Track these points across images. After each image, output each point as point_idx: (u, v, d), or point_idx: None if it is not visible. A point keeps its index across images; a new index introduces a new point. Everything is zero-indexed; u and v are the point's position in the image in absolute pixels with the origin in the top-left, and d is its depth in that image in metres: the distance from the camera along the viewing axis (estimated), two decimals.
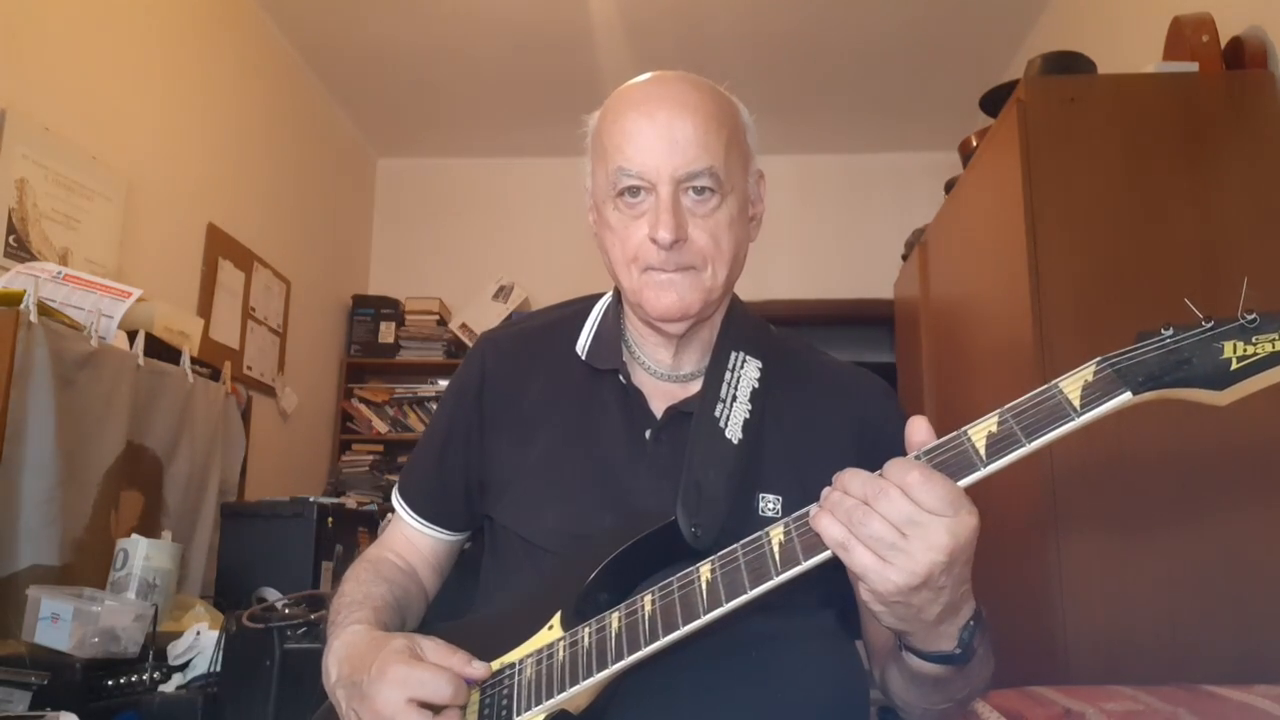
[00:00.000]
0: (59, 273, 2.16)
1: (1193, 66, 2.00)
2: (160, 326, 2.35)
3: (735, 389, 0.98)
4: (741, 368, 0.99)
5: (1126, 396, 0.70)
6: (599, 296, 1.11)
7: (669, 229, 0.90)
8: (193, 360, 2.47)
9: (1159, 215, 1.87)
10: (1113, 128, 1.93)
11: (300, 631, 1.57)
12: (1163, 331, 0.72)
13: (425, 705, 0.79)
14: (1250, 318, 0.69)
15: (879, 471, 0.73)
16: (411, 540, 1.11)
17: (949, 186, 2.84)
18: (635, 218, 0.93)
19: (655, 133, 0.91)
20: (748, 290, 1.06)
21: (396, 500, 1.12)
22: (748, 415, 0.96)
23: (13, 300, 1.88)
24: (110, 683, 1.66)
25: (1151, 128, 1.92)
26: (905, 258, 3.31)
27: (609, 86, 1.01)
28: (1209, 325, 0.71)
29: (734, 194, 0.95)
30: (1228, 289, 0.73)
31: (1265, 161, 1.88)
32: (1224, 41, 2.08)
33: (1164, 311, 0.75)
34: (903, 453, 0.75)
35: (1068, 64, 2.16)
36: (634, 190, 0.93)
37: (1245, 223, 1.84)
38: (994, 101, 2.44)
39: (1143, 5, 2.67)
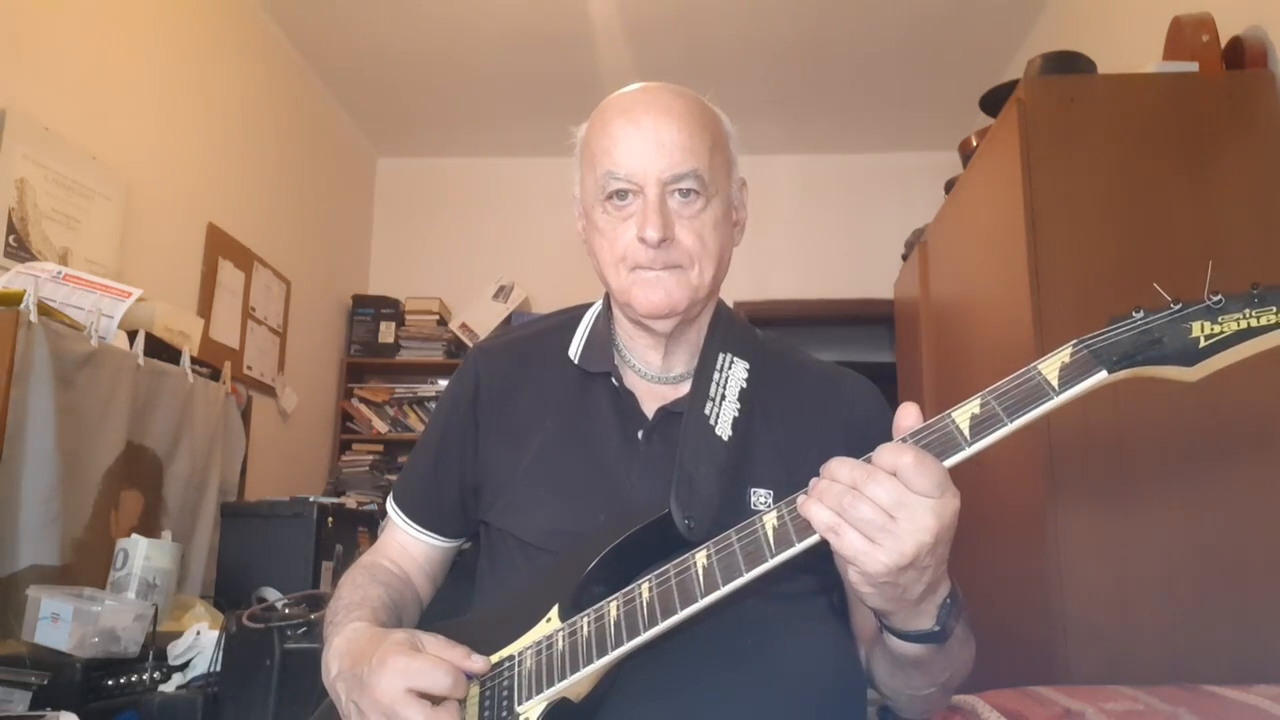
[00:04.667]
0: (59, 273, 2.16)
1: (1193, 66, 2.00)
2: (160, 326, 2.36)
3: (724, 388, 1.00)
4: (729, 368, 1.02)
5: (1102, 375, 0.73)
6: (589, 306, 1.14)
7: (656, 228, 0.93)
8: (193, 360, 2.47)
9: (1159, 215, 1.87)
10: (1113, 128, 1.93)
11: (300, 631, 1.57)
12: (1134, 314, 0.76)
13: (424, 696, 0.80)
14: (1216, 299, 0.73)
15: (867, 456, 0.75)
16: (406, 546, 1.13)
17: (949, 186, 2.84)
18: (623, 219, 0.97)
19: (641, 137, 0.95)
20: (748, 290, 1.07)
21: (391, 507, 1.14)
22: (737, 413, 0.98)
23: (13, 300, 1.88)
24: (110, 683, 1.66)
25: (1151, 127, 1.92)
26: (905, 258, 3.31)
27: (609, 86, 1.04)
28: (1177, 307, 0.74)
29: (718, 197, 0.98)
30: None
31: (1265, 161, 1.88)
32: (1224, 41, 2.08)
33: None
34: None
35: (1068, 64, 2.16)
36: (622, 193, 0.96)
37: (1245, 222, 1.84)
38: (994, 101, 2.44)
39: (1143, 5, 2.67)
